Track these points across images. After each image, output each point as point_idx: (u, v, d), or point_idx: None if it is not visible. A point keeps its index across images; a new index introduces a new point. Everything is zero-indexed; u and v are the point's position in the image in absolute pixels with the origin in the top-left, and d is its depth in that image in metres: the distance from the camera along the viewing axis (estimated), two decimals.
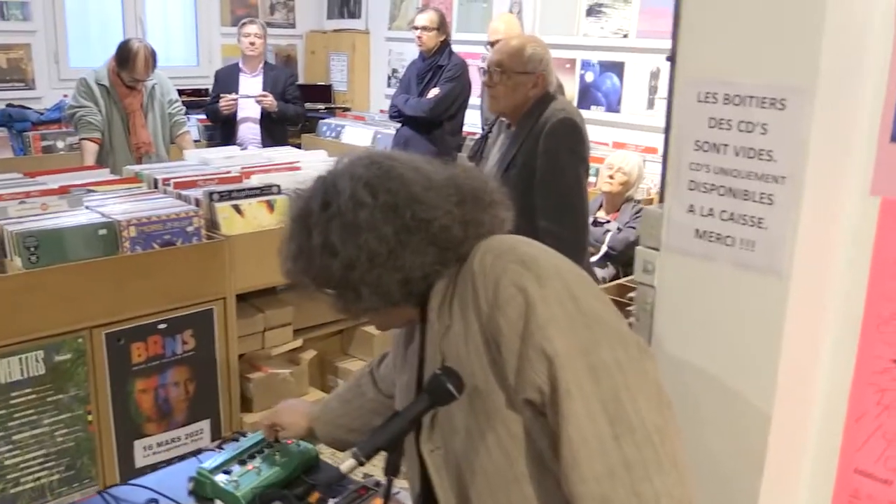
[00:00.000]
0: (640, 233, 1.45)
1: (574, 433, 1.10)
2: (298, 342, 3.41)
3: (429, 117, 4.84)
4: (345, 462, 1.15)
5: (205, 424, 3.06)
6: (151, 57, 4.32)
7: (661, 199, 1.47)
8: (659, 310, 1.44)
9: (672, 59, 1.41)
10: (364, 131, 6.21)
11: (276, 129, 5.31)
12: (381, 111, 6.66)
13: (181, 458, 2.96)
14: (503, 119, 3.24)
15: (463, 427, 1.24)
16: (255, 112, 5.19)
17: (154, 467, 2.90)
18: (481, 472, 1.23)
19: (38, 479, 2.64)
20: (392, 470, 1.18)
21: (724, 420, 1.39)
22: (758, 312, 1.32)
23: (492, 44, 4.59)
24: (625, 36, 5.27)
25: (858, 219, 1.31)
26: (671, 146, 1.37)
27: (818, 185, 1.26)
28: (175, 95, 4.71)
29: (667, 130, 1.44)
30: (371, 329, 3.63)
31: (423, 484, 1.36)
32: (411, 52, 5.94)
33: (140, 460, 2.89)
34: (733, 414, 1.38)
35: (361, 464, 1.14)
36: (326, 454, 1.97)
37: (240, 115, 5.20)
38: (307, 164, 3.87)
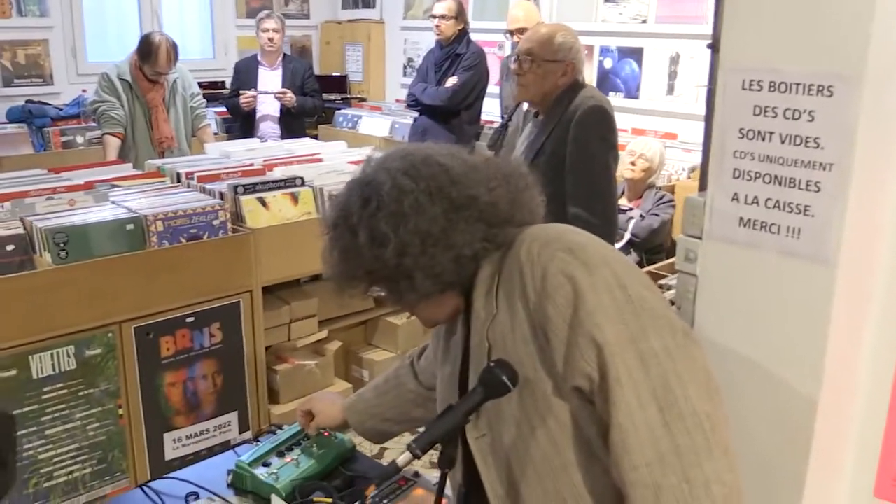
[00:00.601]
0: (682, 221, 1.44)
1: (625, 420, 1.11)
2: (324, 333, 3.42)
3: (447, 106, 4.82)
4: (401, 455, 1.16)
5: (233, 416, 3.08)
6: (173, 50, 4.33)
7: (702, 188, 1.46)
8: (701, 298, 1.43)
9: (713, 46, 1.39)
10: (381, 121, 6.20)
11: (295, 123, 5.31)
12: (398, 101, 6.65)
13: (210, 450, 3.00)
14: (527, 108, 3.22)
15: (510, 415, 1.24)
16: (275, 109, 5.19)
17: (183, 460, 2.93)
18: (529, 459, 1.24)
19: (71, 472, 2.66)
20: (447, 463, 1.18)
21: (768, 408, 1.38)
22: (804, 300, 1.31)
23: (511, 32, 4.58)
24: (643, 21, 5.24)
25: None
26: (714, 134, 1.36)
27: (864, 172, 1.25)
28: (196, 89, 4.72)
29: (708, 118, 1.42)
30: (395, 319, 3.64)
31: (466, 473, 1.37)
32: (427, 42, 5.92)
33: (170, 453, 2.92)
34: (778, 402, 1.37)
35: (417, 457, 1.15)
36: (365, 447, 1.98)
37: (259, 111, 5.20)
38: (328, 155, 3.87)
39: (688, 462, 1.09)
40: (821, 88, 1.23)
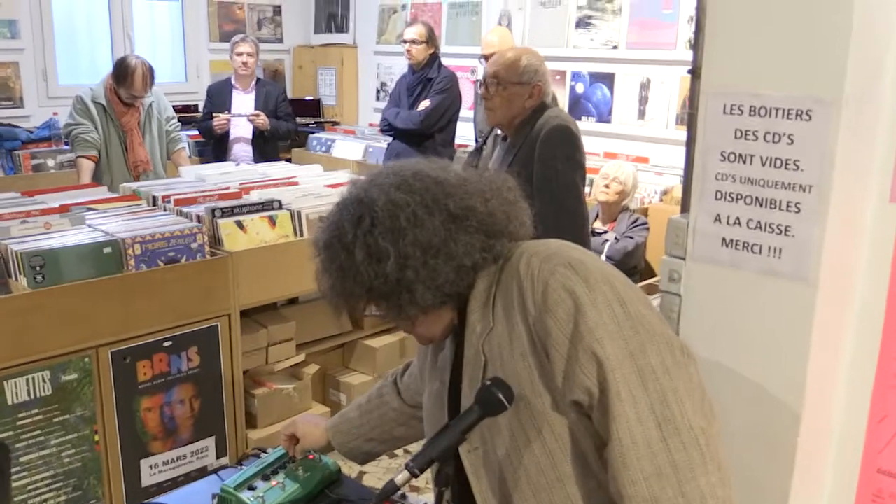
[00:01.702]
0: (665, 242, 1.47)
1: (624, 435, 1.13)
2: (301, 357, 3.42)
3: (420, 129, 4.86)
4: (399, 474, 1.16)
5: (210, 442, 3.06)
6: (149, 73, 4.32)
7: (684, 209, 1.49)
8: (686, 317, 1.46)
9: (694, 72, 1.43)
10: (355, 145, 6.22)
11: (268, 147, 5.32)
12: (371, 124, 6.67)
13: (187, 475, 2.97)
14: (498, 132, 3.25)
15: (506, 428, 1.25)
16: (248, 131, 5.19)
17: (160, 486, 2.90)
18: (524, 472, 1.25)
19: (46, 500, 2.63)
20: (444, 481, 1.19)
21: (753, 423, 1.41)
22: (786, 318, 1.34)
23: (486, 57, 4.63)
24: (614, 47, 5.32)
25: (880, 225, 1.34)
26: (696, 157, 1.39)
27: (843, 193, 1.29)
28: (171, 112, 4.71)
29: (689, 142, 1.46)
30: (373, 342, 3.64)
31: (456, 487, 1.37)
32: (400, 66, 5.96)
33: (147, 479, 2.88)
34: (762, 417, 1.40)
35: (415, 476, 1.15)
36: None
37: (232, 134, 5.20)
38: (304, 178, 3.88)
39: (684, 477, 1.11)
40: (799, 112, 1.27)
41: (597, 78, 5.45)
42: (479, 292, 1.28)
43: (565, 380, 1.18)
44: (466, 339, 1.30)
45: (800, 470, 1.39)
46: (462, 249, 1.23)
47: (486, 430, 1.27)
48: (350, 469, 2.87)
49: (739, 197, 1.36)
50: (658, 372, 1.14)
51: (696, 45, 1.44)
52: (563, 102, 5.47)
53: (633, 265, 4.04)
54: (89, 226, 2.91)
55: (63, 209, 3.04)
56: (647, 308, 1.20)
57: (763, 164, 1.32)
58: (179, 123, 4.80)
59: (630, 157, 5.01)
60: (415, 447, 1.27)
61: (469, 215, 1.24)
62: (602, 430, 1.18)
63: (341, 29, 7.26)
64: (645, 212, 4.40)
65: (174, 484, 2.87)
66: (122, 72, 4.27)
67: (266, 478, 1.77)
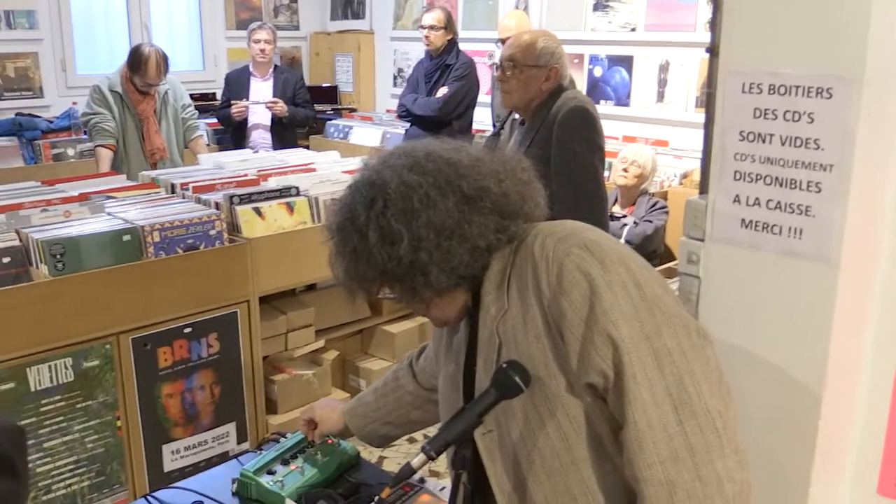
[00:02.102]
0: (683, 223, 1.45)
1: (640, 418, 1.12)
2: (320, 343, 3.43)
3: (438, 116, 4.84)
4: (416, 457, 1.16)
5: (231, 427, 3.08)
6: (163, 61, 4.33)
7: (703, 190, 1.47)
8: (705, 300, 1.44)
9: (712, 50, 1.41)
10: (372, 131, 6.22)
11: (286, 134, 5.32)
12: (388, 111, 6.66)
13: (208, 461, 3.00)
14: (516, 117, 3.24)
15: (520, 411, 1.25)
16: (266, 118, 5.19)
17: (182, 471, 2.92)
18: (538, 455, 1.24)
19: (70, 485, 2.65)
20: (461, 464, 1.19)
21: (773, 407, 1.40)
22: (806, 300, 1.32)
23: (502, 41, 4.59)
24: (633, 30, 5.27)
25: None
26: (715, 137, 1.37)
27: (864, 172, 1.27)
28: (188, 100, 4.72)
29: (708, 122, 1.44)
30: (391, 327, 3.65)
31: (471, 471, 1.36)
32: (416, 52, 5.94)
33: (168, 464, 2.91)
34: (783, 402, 1.38)
35: (432, 458, 1.15)
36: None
37: (251, 121, 5.21)
38: (321, 164, 3.89)
39: (700, 460, 1.10)
40: (820, 90, 1.25)
41: (615, 61, 5.41)
42: (494, 274, 1.27)
43: (580, 362, 1.17)
44: (481, 320, 1.29)
45: (821, 454, 1.38)
46: (476, 231, 1.22)
47: (500, 413, 1.26)
48: (370, 454, 2.89)
49: (759, 177, 1.34)
50: (674, 354, 1.13)
51: (714, 23, 1.42)
52: (581, 86, 5.44)
53: (653, 249, 4.01)
54: (109, 214, 2.92)
55: (82, 197, 3.06)
56: (664, 290, 1.19)
57: (783, 144, 1.30)
58: (196, 111, 4.81)
59: (649, 140, 4.97)
60: (433, 431, 1.27)
61: (483, 196, 1.23)
62: (617, 413, 1.17)
63: (357, 15, 7.24)
64: (664, 195, 4.37)
65: (196, 469, 2.89)
66: (136, 60, 4.28)
67: (285, 462, 1.78)
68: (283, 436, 1.92)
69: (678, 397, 1.12)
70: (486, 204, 1.23)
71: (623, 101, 5.39)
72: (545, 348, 1.21)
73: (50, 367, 2.55)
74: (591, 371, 1.17)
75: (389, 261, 1.21)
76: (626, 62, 5.34)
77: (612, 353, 1.14)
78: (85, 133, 4.83)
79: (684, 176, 4.67)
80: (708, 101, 1.45)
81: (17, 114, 5.51)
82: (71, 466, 2.64)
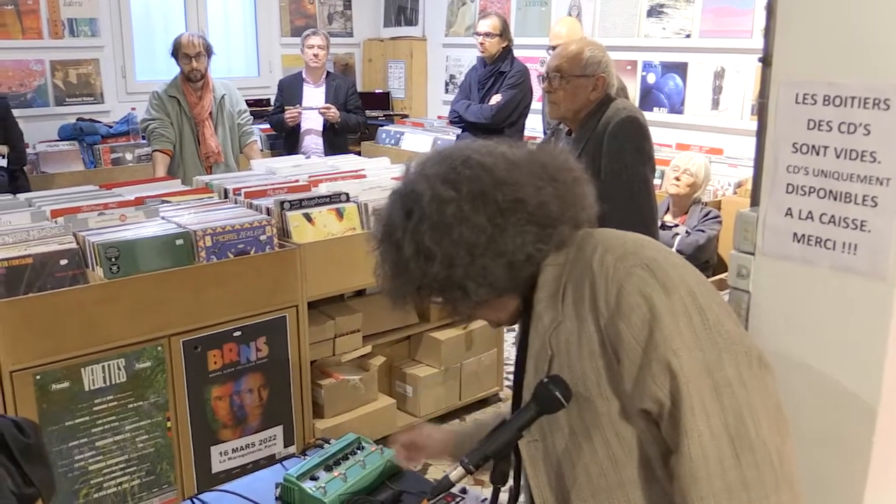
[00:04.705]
0: (734, 237, 1.42)
1: (695, 450, 1.09)
2: (368, 348, 3.44)
3: (490, 123, 4.83)
4: (454, 470, 1.16)
5: (278, 430, 3.10)
6: (198, 38, 4.47)
7: (754, 203, 1.44)
8: (754, 315, 1.41)
9: (765, 60, 1.38)
10: (424, 137, 6.24)
11: (338, 139, 5.36)
12: (440, 117, 6.69)
13: (255, 463, 3.03)
14: (561, 126, 3.21)
15: (567, 425, 1.22)
16: (318, 123, 5.25)
17: (229, 473, 2.96)
18: (583, 471, 1.22)
19: (120, 484, 2.70)
20: (500, 478, 1.17)
21: (825, 426, 1.36)
22: (861, 317, 1.28)
23: (554, 48, 4.58)
24: (687, 36, 5.20)
25: None
26: (767, 149, 1.34)
27: None
28: (244, 106, 4.79)
29: (760, 133, 1.41)
30: (439, 334, 3.64)
31: (514, 479, 1.34)
32: (468, 58, 5.95)
33: (217, 466, 2.95)
34: (835, 420, 1.35)
35: (471, 472, 1.14)
36: None
37: (303, 126, 5.27)
38: (371, 171, 3.91)
39: (755, 496, 1.07)
40: (877, 101, 1.21)
41: (669, 68, 5.34)
42: (547, 281, 1.23)
43: (635, 387, 1.14)
44: (532, 328, 1.26)
45: (874, 472, 1.34)
46: (511, 245, 1.19)
47: (545, 424, 1.24)
48: None
49: (812, 190, 1.30)
50: (734, 385, 1.09)
51: (768, 31, 1.38)
52: (634, 93, 5.38)
53: (705, 259, 3.95)
54: (163, 218, 2.98)
55: (138, 202, 3.13)
56: (725, 313, 1.15)
57: (837, 156, 1.26)
58: (251, 117, 4.88)
59: (703, 148, 4.90)
60: None
61: (518, 208, 1.19)
62: (671, 442, 1.14)
63: (410, 22, 7.28)
64: (718, 205, 4.30)
65: (243, 471, 2.92)
66: (175, 45, 4.45)
67: (329, 468, 1.79)
68: (328, 441, 1.93)
69: (736, 431, 1.08)
70: (521, 216, 1.19)
71: (677, 108, 5.32)
72: (598, 367, 1.17)
73: (104, 367, 2.60)
74: (647, 398, 1.13)
75: (425, 276, 1.21)
76: (681, 69, 5.27)
77: (670, 383, 1.10)
78: (143, 138, 4.94)
79: (738, 185, 4.59)
80: (760, 111, 1.42)
81: (78, 119, 5.67)
82: (122, 465, 2.69)
